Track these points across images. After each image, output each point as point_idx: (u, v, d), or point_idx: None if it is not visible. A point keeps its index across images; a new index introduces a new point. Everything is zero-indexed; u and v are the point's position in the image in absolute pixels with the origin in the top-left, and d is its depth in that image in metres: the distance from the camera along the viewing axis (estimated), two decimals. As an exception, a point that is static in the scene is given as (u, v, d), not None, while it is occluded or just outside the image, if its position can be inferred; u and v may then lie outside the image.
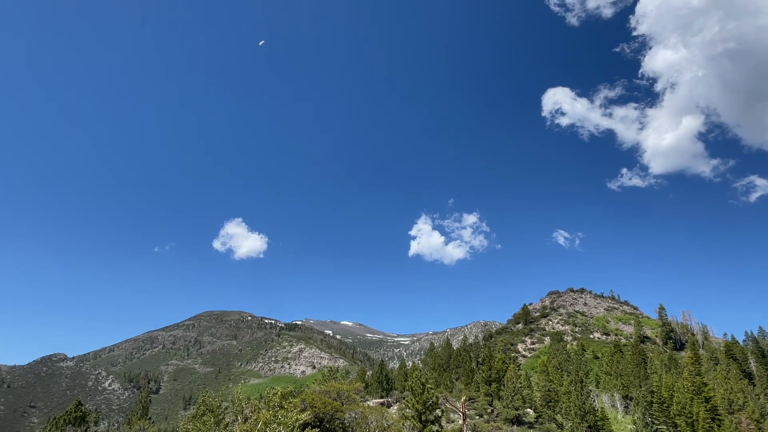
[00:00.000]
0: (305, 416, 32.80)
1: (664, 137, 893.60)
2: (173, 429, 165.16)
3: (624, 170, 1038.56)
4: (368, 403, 70.63)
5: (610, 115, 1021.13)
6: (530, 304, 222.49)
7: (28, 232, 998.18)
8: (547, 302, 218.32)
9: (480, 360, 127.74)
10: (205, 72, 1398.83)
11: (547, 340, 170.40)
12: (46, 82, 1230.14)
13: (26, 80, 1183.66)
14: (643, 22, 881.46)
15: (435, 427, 47.02)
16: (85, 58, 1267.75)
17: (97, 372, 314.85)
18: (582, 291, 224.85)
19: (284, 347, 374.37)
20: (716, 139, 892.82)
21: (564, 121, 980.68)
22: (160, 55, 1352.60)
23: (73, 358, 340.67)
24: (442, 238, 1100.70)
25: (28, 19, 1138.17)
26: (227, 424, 35.62)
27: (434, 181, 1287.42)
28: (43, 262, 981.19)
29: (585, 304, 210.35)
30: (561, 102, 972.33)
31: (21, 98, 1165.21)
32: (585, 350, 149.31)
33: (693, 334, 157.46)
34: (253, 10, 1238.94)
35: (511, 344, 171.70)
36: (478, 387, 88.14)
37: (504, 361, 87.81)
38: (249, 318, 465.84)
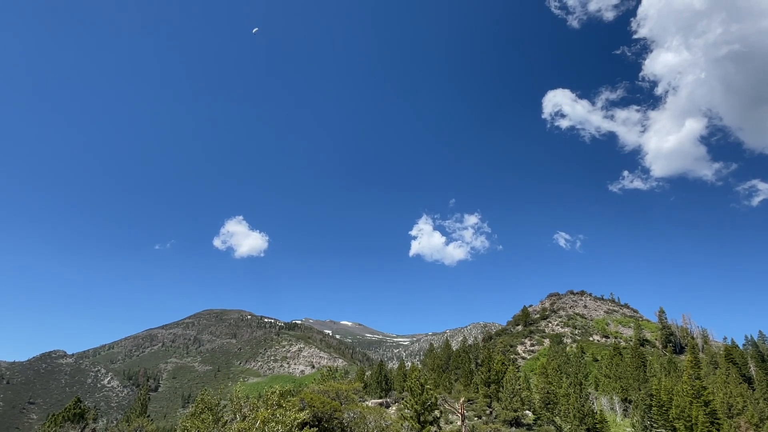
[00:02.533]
0: (304, 415, 32.81)
1: (667, 140, 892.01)
2: (172, 427, 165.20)
3: (625, 173, 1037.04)
4: (367, 403, 70.64)
5: (612, 117, 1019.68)
6: (530, 305, 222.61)
7: (29, 230, 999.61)
8: (547, 304, 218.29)
9: (479, 361, 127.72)
10: (206, 70, 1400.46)
11: (547, 342, 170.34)
12: (45, 82, 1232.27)
13: (26, 80, 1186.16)
14: (645, 24, 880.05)
15: (433, 428, 47.02)
16: (85, 57, 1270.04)
17: (96, 369, 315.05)
18: (582, 293, 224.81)
19: (283, 346, 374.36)
20: (718, 142, 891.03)
21: (564, 123, 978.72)
22: (161, 54, 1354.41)
23: (73, 355, 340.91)
24: (443, 239, 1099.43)
25: (26, 18, 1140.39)
26: (225, 422, 35.65)
27: (435, 181, 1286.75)
28: (44, 259, 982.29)
29: (585, 306, 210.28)
30: (561, 104, 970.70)
31: (21, 98, 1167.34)
32: (584, 352, 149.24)
33: (693, 338, 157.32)
34: (252, 9, 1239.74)
35: (511, 346, 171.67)
36: (477, 388, 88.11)
37: (503, 363, 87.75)
38: (249, 317, 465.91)
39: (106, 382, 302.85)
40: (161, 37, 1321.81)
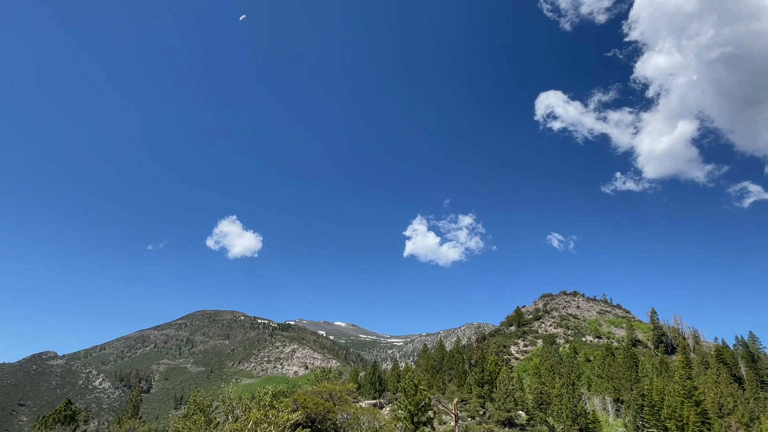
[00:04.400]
0: (296, 416, 32.69)
1: (659, 141, 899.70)
2: (164, 428, 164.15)
3: (618, 174, 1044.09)
4: (360, 404, 70.51)
5: (605, 119, 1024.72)
6: (523, 306, 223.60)
7: (20, 230, 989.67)
8: (540, 305, 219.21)
9: (473, 362, 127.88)
10: (199, 70, 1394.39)
11: (540, 342, 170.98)
12: (37, 82, 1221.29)
13: (18, 80, 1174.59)
14: (636, 27, 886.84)
15: (427, 429, 47.02)
16: (78, 57, 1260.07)
17: (87, 370, 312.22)
18: (575, 294, 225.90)
19: (277, 347, 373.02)
20: (710, 144, 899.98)
21: (557, 125, 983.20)
22: (153, 53, 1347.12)
23: (64, 356, 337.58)
24: (438, 239, 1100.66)
25: (15, 19, 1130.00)
26: (218, 423, 35.44)
27: (430, 181, 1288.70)
28: (36, 259, 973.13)
29: (578, 307, 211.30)
30: (554, 105, 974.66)
31: (13, 97, 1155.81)
32: (577, 353, 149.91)
33: (684, 338, 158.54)
34: (246, 9, 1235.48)
35: (504, 346, 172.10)
36: (471, 389, 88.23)
37: (496, 363, 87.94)
38: (242, 318, 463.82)
39: (97, 383, 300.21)
40: (153, 36, 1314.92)
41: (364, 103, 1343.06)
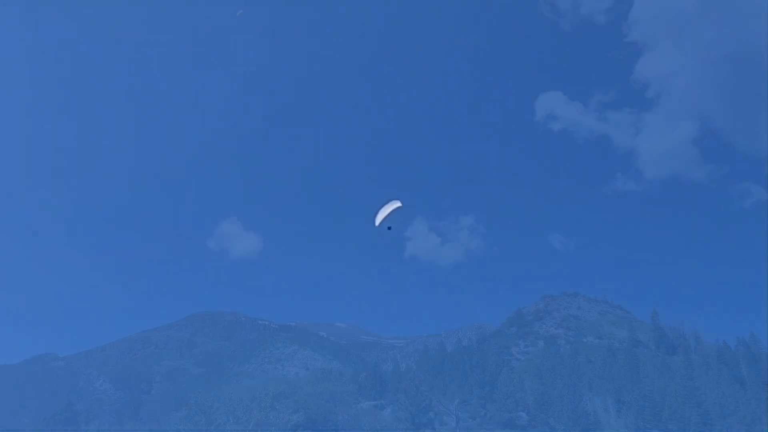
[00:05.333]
0: (297, 417, 32.73)
1: (660, 142, 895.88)
2: (165, 430, 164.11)
3: (619, 174, 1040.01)
4: (361, 405, 70.52)
5: (605, 119, 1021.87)
6: (524, 307, 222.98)
7: (19, 230, 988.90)
8: (541, 306, 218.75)
9: (474, 363, 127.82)
10: (199, 68, 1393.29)
11: (541, 343, 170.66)
12: (37, 81, 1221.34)
13: (16, 78, 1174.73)
14: (636, 27, 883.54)
15: (428, 430, 46.98)
16: (76, 56, 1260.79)
17: (88, 372, 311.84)
18: (576, 295, 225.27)
19: (278, 348, 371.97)
20: (711, 144, 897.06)
21: (557, 126, 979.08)
22: (152, 51, 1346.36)
23: (65, 357, 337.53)
24: (439, 240, 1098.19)
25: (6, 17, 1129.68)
26: (219, 424, 35.50)
27: (430, 181, 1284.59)
28: (36, 259, 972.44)
29: (579, 307, 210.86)
30: (554, 106, 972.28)
31: (12, 95, 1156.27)
32: (578, 354, 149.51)
33: (685, 339, 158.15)
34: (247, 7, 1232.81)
35: (505, 347, 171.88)
36: (472, 390, 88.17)
37: (498, 364, 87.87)
38: (243, 318, 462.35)
39: (98, 384, 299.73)
40: (152, 34, 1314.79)
41: (362, 101, 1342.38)
